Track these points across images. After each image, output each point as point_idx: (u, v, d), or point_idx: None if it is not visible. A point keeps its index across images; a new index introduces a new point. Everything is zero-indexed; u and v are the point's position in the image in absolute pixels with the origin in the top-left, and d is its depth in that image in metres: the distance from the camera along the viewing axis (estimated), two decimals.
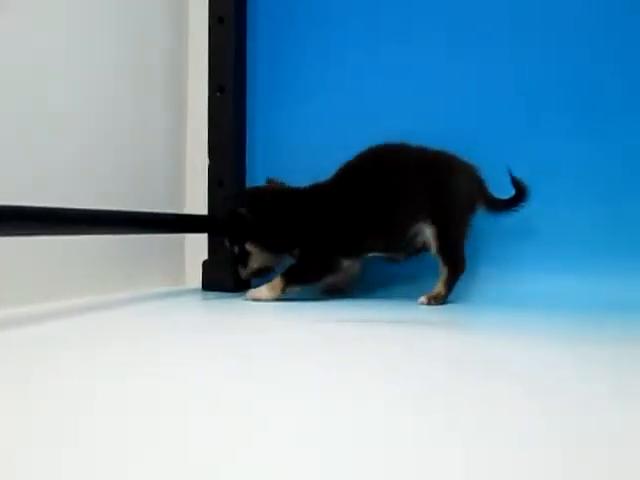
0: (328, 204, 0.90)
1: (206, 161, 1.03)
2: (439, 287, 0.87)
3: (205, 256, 1.05)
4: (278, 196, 0.92)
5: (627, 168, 0.92)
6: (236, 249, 0.92)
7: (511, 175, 0.88)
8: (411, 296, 0.89)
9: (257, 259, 0.92)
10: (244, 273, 0.94)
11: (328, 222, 0.89)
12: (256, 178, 1.03)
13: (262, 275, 0.94)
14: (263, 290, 0.87)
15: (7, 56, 0.76)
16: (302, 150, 1.04)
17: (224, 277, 1.01)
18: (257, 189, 0.96)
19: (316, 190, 0.92)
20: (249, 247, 0.91)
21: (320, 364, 0.49)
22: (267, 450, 0.29)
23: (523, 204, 0.89)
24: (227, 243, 0.94)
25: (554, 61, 0.95)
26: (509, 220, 0.92)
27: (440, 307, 0.85)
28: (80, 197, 0.85)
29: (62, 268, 0.85)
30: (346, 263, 0.90)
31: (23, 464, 0.27)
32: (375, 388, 0.41)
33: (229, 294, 0.97)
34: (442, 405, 0.37)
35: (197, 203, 1.07)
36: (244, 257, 0.92)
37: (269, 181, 0.97)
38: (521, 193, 0.88)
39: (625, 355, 0.54)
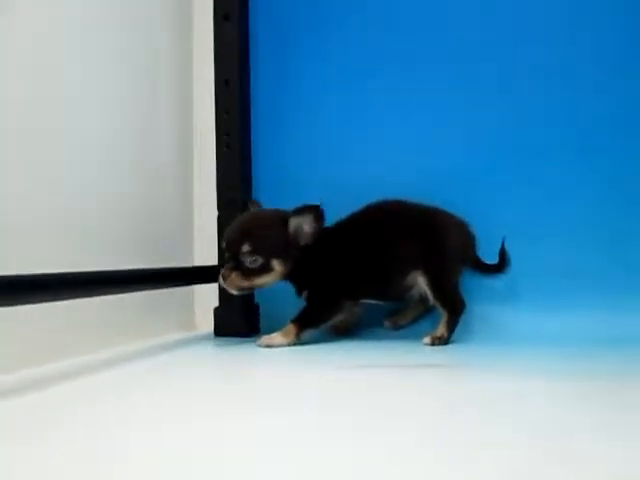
0: (331, 249, 0.95)
1: (215, 213, 1.08)
2: (441, 329, 0.93)
3: (214, 302, 1.09)
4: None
5: (624, 206, 0.99)
6: (259, 260, 0.89)
7: (502, 245, 0.97)
8: (416, 336, 0.95)
9: (271, 279, 0.91)
10: (239, 284, 0.89)
11: (332, 265, 0.94)
12: None
13: (244, 293, 0.94)
14: (276, 336, 0.92)
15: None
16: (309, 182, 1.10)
17: (236, 323, 1.05)
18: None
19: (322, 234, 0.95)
20: (276, 264, 0.90)
21: (343, 415, 0.53)
22: None
23: (502, 274, 0.99)
24: (248, 247, 0.88)
25: (546, 105, 1.02)
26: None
27: (444, 347, 0.91)
28: (90, 254, 0.86)
29: (69, 321, 0.83)
30: (348, 304, 0.96)
31: None
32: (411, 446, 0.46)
33: (241, 339, 1.01)
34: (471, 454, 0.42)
35: (206, 253, 1.12)
36: (258, 271, 0.89)
37: (252, 203, 1.01)
38: (502, 264, 0.98)
39: None
